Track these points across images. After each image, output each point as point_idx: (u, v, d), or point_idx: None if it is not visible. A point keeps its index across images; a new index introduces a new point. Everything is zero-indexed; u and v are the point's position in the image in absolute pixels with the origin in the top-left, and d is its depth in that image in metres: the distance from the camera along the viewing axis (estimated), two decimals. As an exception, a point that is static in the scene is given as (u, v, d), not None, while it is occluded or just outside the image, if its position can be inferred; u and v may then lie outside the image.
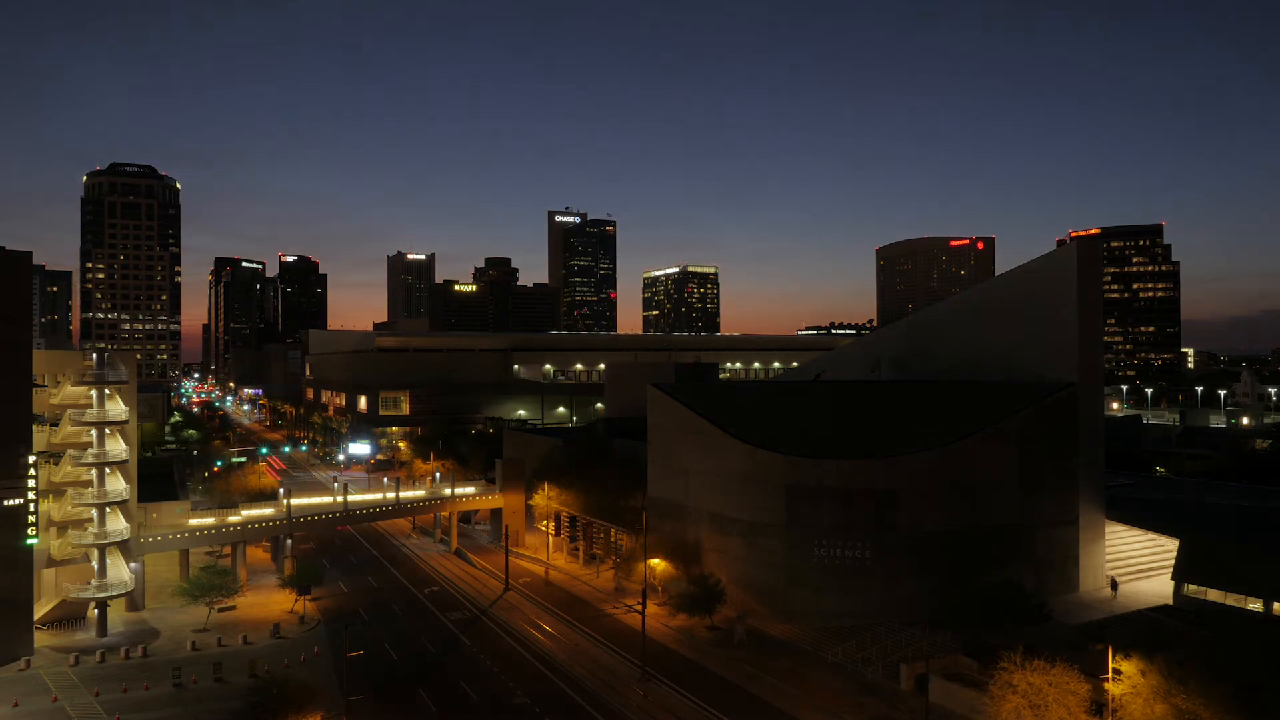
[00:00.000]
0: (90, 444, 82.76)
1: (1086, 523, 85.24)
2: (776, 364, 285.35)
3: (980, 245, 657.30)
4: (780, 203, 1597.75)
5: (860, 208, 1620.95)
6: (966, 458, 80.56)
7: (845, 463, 79.06)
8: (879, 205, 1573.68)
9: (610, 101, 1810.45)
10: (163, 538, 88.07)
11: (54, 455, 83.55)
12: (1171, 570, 79.39)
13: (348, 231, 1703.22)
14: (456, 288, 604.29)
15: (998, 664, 54.57)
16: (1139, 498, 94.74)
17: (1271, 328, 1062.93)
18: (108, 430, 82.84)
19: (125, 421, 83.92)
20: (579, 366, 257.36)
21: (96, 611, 78.38)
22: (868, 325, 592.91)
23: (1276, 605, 70.41)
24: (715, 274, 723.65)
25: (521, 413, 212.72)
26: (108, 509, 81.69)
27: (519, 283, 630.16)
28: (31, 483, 72.93)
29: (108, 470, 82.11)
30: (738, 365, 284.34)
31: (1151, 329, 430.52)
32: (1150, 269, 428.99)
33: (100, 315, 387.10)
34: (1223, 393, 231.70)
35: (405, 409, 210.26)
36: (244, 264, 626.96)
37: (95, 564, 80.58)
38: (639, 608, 73.42)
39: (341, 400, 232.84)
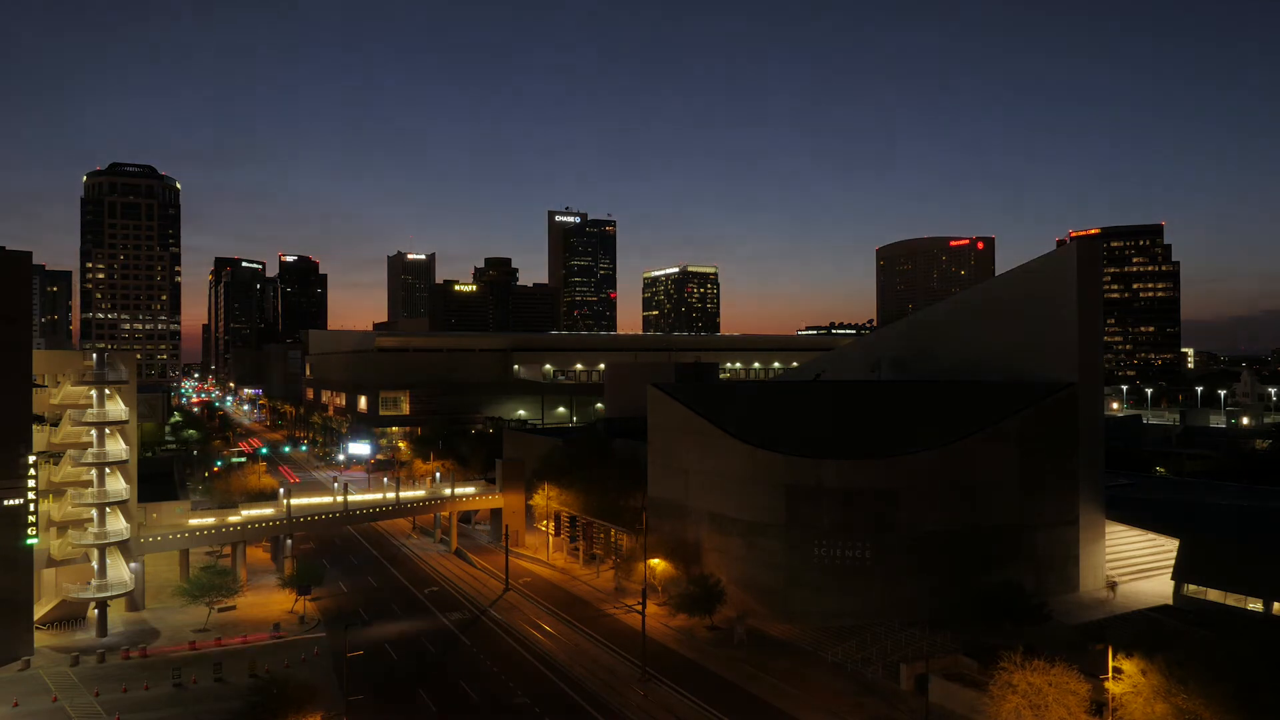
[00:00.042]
0: (90, 444, 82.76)
1: (1086, 523, 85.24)
2: (776, 364, 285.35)
3: (980, 245, 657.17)
4: (780, 203, 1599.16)
5: (860, 208, 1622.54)
6: (966, 458, 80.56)
7: (845, 463, 79.05)
8: (879, 205, 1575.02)
9: (610, 101, 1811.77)
10: (163, 538, 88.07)
11: (54, 455, 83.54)
12: (1171, 570, 79.39)
13: (348, 231, 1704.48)
14: (456, 288, 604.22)
15: (998, 664, 54.57)
16: (1139, 498, 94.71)
17: (1271, 328, 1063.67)
18: (108, 430, 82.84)
19: (125, 421, 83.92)
20: (579, 366, 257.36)
21: (96, 611, 78.38)
22: (868, 325, 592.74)
23: (1276, 605, 70.40)
24: (715, 274, 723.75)
25: (521, 413, 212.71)
26: (108, 509, 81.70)
27: (519, 283, 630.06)
28: (31, 483, 72.92)
29: (108, 470, 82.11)
30: (738, 365, 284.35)
31: (1151, 329, 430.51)
32: (1150, 269, 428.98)
33: (100, 315, 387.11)
34: (1223, 393, 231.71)
35: (405, 409, 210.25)
36: (244, 264, 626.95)
37: (95, 564, 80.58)
38: (639, 608, 73.43)
39: (341, 400, 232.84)
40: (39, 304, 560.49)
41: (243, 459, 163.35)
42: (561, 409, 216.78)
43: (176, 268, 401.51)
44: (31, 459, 73.19)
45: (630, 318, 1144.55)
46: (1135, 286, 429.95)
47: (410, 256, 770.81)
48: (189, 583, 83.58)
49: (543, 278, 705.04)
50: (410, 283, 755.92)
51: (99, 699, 62.75)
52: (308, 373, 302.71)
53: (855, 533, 77.59)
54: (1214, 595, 74.68)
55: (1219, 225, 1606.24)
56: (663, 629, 76.39)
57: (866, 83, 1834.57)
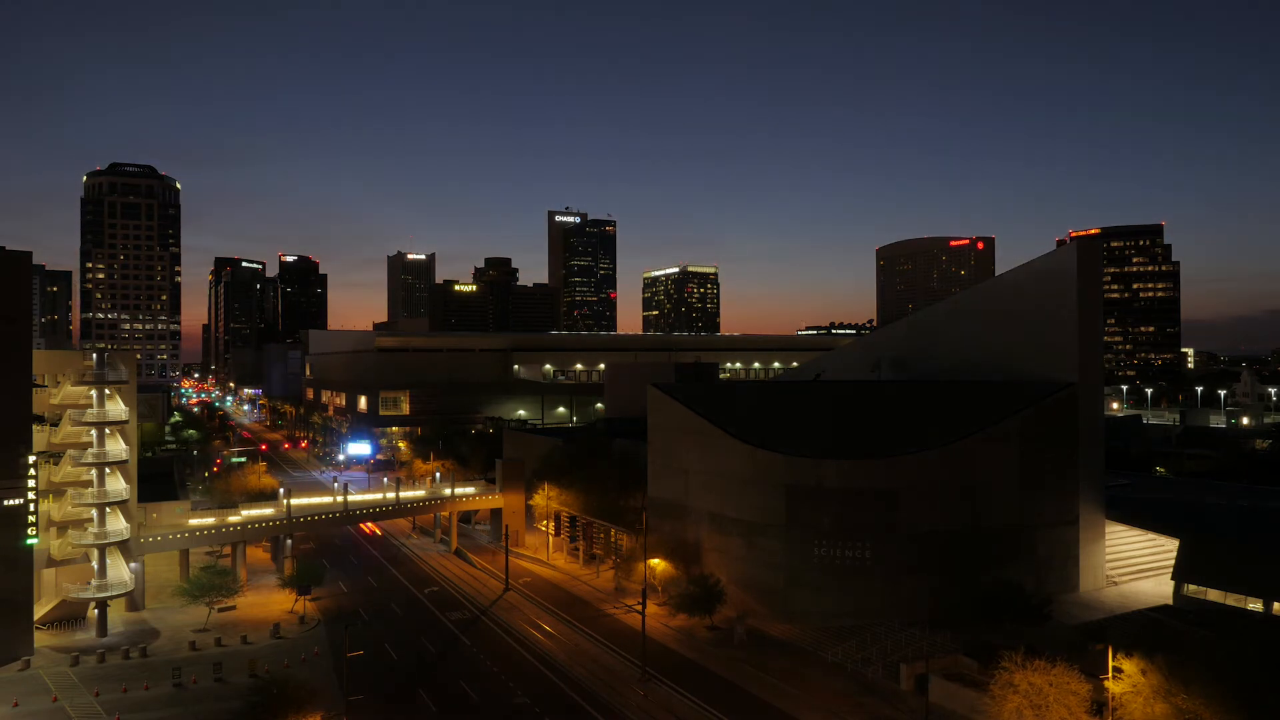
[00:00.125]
0: (90, 444, 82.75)
1: (1086, 523, 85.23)
2: (776, 364, 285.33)
3: (980, 245, 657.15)
4: (780, 203, 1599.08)
5: (860, 208, 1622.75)
6: (966, 458, 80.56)
7: (845, 463, 79.06)
8: (879, 205, 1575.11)
9: (610, 101, 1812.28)
10: (163, 538, 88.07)
11: (54, 455, 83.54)
12: (1171, 570, 79.38)
13: (348, 231, 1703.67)
14: (456, 288, 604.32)
15: (998, 664, 54.57)
16: (1139, 498, 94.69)
17: (1271, 328, 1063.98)
18: (108, 430, 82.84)
19: (125, 421, 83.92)
20: (579, 366, 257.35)
21: (96, 611, 78.39)
22: (868, 325, 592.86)
23: (1276, 605, 70.38)
24: (715, 274, 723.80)
25: (521, 413, 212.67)
26: (108, 509, 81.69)
27: (519, 283, 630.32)
28: (31, 483, 72.94)
29: (108, 470, 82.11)
30: (738, 365, 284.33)
31: (1151, 329, 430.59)
32: (1150, 269, 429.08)
33: (100, 315, 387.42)
34: (1223, 393, 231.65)
35: (405, 409, 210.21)
36: (244, 264, 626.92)
37: (95, 564, 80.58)
38: (639, 608, 73.43)
39: (341, 400, 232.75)
40: (39, 304, 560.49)
41: (242, 459, 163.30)
42: (561, 409, 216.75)
43: (176, 268, 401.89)
44: (31, 459, 73.21)
45: (630, 318, 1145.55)
46: (1135, 286, 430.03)
47: (410, 256, 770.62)
48: (189, 583, 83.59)
49: (543, 278, 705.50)
50: (410, 283, 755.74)
51: (99, 699, 62.76)
52: (308, 373, 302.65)
53: (855, 533, 77.58)
54: (1214, 595, 74.66)
55: (1219, 225, 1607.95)
56: (663, 629, 76.39)
57: (867, 83, 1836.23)
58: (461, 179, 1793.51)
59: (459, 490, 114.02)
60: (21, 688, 64.75)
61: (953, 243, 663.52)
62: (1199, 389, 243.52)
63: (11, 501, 71.80)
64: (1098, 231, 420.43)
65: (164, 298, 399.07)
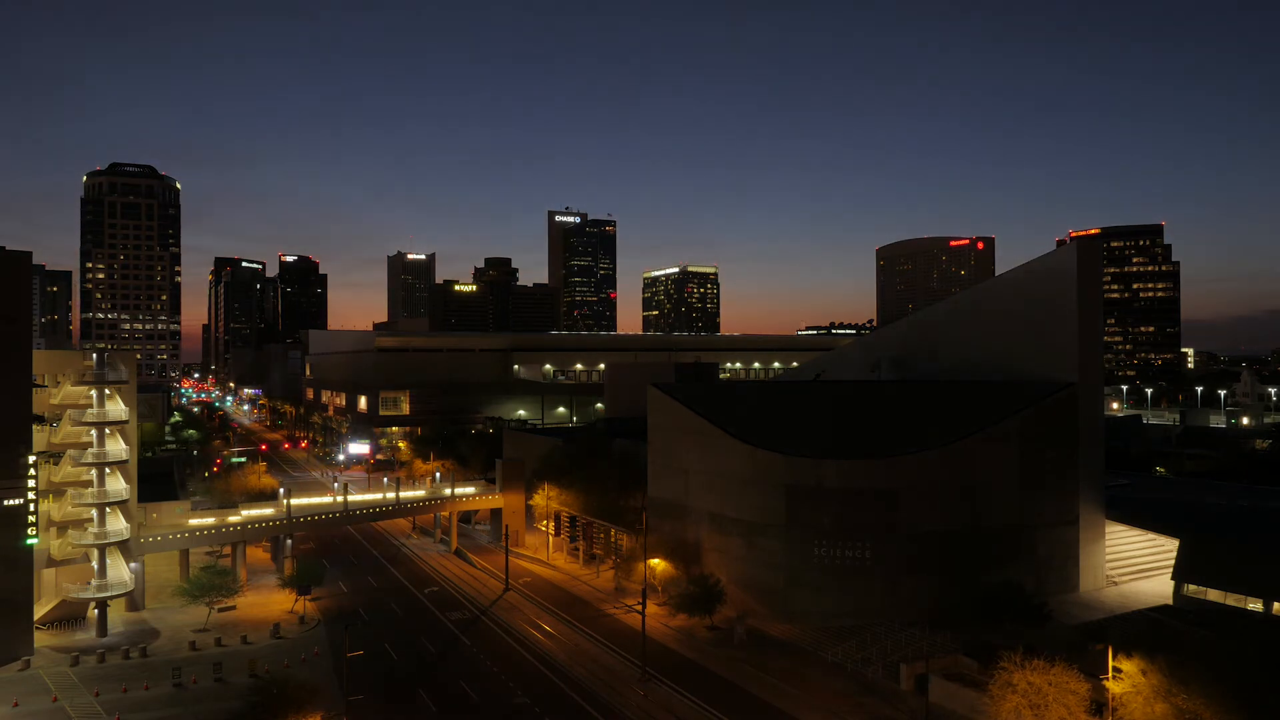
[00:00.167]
0: (90, 444, 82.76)
1: (1086, 523, 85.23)
2: (776, 364, 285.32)
3: (980, 245, 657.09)
4: (780, 203, 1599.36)
5: (860, 208, 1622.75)
6: (966, 458, 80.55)
7: (845, 463, 79.05)
8: (879, 205, 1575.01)
9: (611, 102, 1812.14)
10: (163, 538, 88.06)
11: (54, 455, 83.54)
12: (1171, 570, 79.37)
13: (348, 231, 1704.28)
14: (456, 288, 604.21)
15: (998, 664, 54.56)
16: (1139, 498, 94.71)
17: (1271, 328, 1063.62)
18: (108, 430, 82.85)
19: (125, 421, 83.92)
20: (579, 366, 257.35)
21: (96, 611, 78.39)
22: (868, 325, 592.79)
23: (1276, 605, 70.37)
24: (715, 274, 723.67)
25: (521, 413, 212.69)
26: (108, 509, 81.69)
27: (519, 283, 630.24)
28: (31, 483, 72.93)
29: (108, 470, 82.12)
30: (738, 365, 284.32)
31: (1151, 329, 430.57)
32: (1150, 269, 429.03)
33: (100, 315, 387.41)
34: (1223, 393, 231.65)
35: (405, 409, 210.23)
36: (244, 264, 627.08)
37: (95, 564, 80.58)
38: (639, 608, 73.44)
39: (341, 400, 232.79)
40: (39, 304, 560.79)
41: (242, 460, 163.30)
42: (561, 409, 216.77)
43: (176, 268, 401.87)
44: (31, 459, 73.20)
45: (630, 318, 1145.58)
46: (1135, 286, 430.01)
47: (410, 256, 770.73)
48: (189, 583, 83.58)
49: (543, 278, 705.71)
50: (410, 283, 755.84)
51: (99, 699, 62.76)
52: (308, 373, 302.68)
53: (855, 533, 77.58)
54: (1214, 595, 74.66)
55: (1219, 225, 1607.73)
56: (663, 629, 76.39)
57: (867, 83, 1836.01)
58: (461, 179, 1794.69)
59: (459, 490, 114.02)
60: (21, 688, 64.76)
61: (953, 243, 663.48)
62: (1199, 389, 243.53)
63: (11, 501, 71.80)
64: (1098, 231, 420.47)
65: (164, 298, 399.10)
